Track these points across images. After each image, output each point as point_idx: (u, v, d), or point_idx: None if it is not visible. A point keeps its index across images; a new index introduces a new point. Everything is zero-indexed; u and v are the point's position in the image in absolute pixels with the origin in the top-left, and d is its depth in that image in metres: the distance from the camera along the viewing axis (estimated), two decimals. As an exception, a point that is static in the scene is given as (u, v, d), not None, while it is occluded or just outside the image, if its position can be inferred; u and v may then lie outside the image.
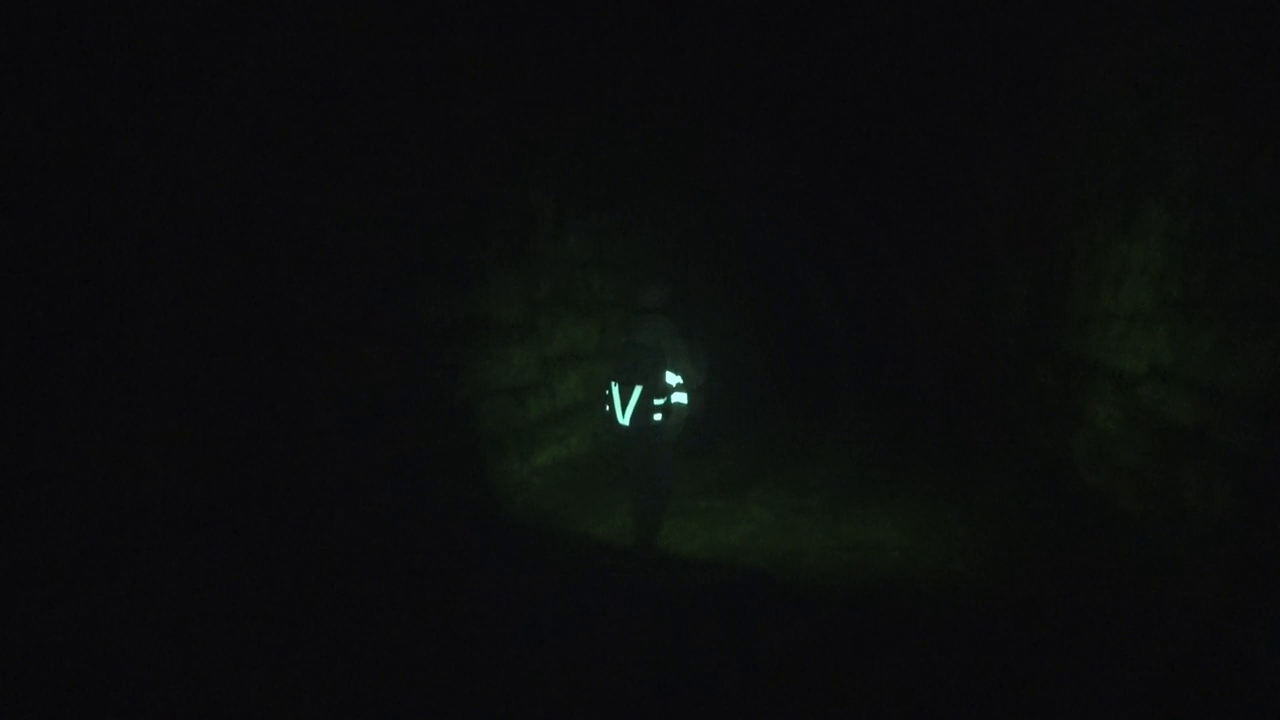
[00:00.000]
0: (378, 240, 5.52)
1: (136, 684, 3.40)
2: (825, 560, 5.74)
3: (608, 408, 5.54)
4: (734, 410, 11.36)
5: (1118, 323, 6.17)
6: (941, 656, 4.06)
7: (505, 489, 6.84)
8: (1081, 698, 3.59)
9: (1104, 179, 6.60)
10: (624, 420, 5.46)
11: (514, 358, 7.38)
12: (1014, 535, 6.04)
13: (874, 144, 11.98)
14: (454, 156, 6.28)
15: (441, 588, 4.94)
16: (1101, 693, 3.61)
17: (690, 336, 5.70)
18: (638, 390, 5.41)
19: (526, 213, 7.65)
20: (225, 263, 4.25)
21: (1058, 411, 7.40)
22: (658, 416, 5.44)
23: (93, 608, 3.46)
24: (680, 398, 5.46)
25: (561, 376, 8.41)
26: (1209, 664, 3.71)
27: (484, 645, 4.23)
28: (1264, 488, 3.91)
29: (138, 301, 3.78)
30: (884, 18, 7.93)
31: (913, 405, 12.47)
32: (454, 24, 5.78)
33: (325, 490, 4.87)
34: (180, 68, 3.93)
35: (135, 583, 3.66)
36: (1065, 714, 3.51)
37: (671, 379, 5.43)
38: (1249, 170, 4.29)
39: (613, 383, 5.51)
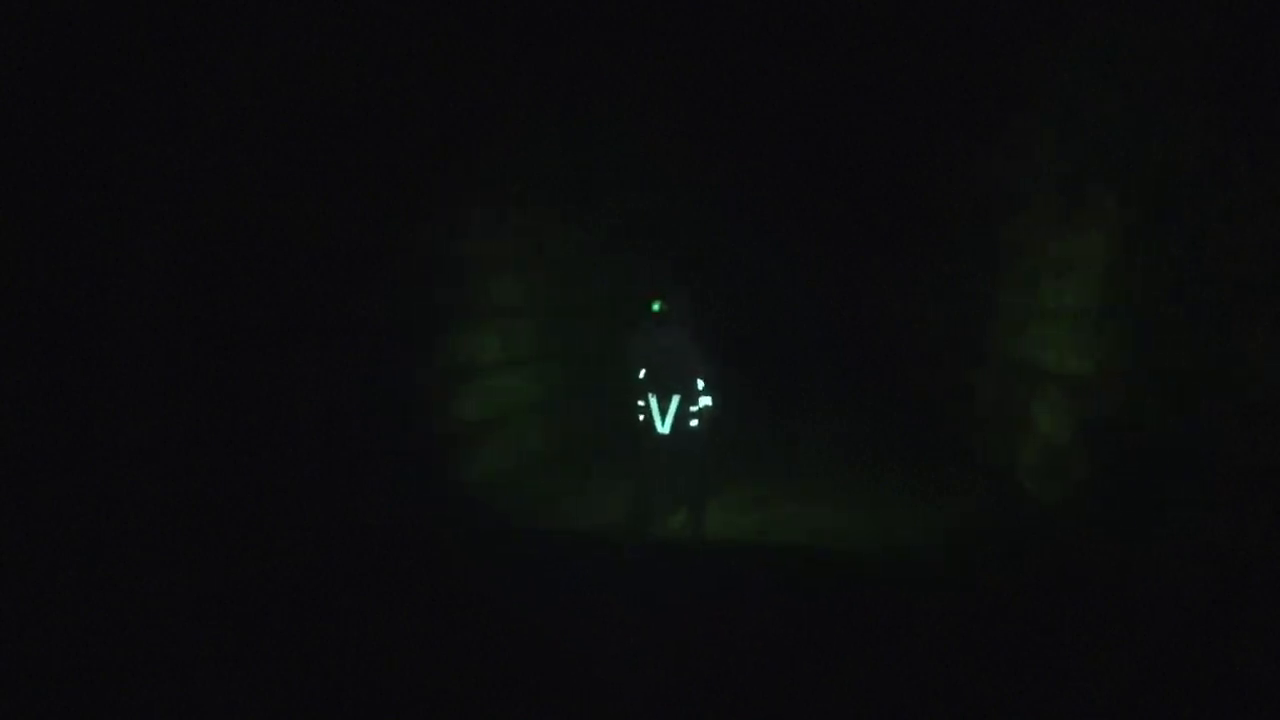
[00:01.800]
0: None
1: (116, 683, 3.40)
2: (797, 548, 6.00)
3: (642, 418, 6.05)
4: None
5: (1063, 321, 6.08)
6: (921, 649, 4.11)
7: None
8: (1060, 698, 3.64)
9: (1048, 174, 6.58)
10: (664, 429, 5.98)
11: (398, 373, 6.20)
12: (967, 537, 6.17)
13: (836, 139, 11.97)
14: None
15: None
16: (1081, 693, 3.66)
17: (706, 343, 6.23)
18: (675, 399, 5.93)
19: (419, 209, 6.49)
20: (185, 261, 4.20)
21: (999, 418, 7.33)
22: (694, 422, 5.99)
23: (71, 607, 3.46)
24: (707, 401, 6.02)
25: (459, 393, 7.17)
26: (1189, 668, 3.76)
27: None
28: (1254, 495, 3.94)
29: (109, 300, 3.75)
30: (843, 18, 7.91)
31: (855, 408, 12.37)
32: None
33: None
34: (145, 71, 3.90)
35: (113, 581, 3.66)
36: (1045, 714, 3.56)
37: (700, 384, 5.98)
38: (1229, 167, 4.32)
39: (649, 394, 6.01)
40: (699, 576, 5.31)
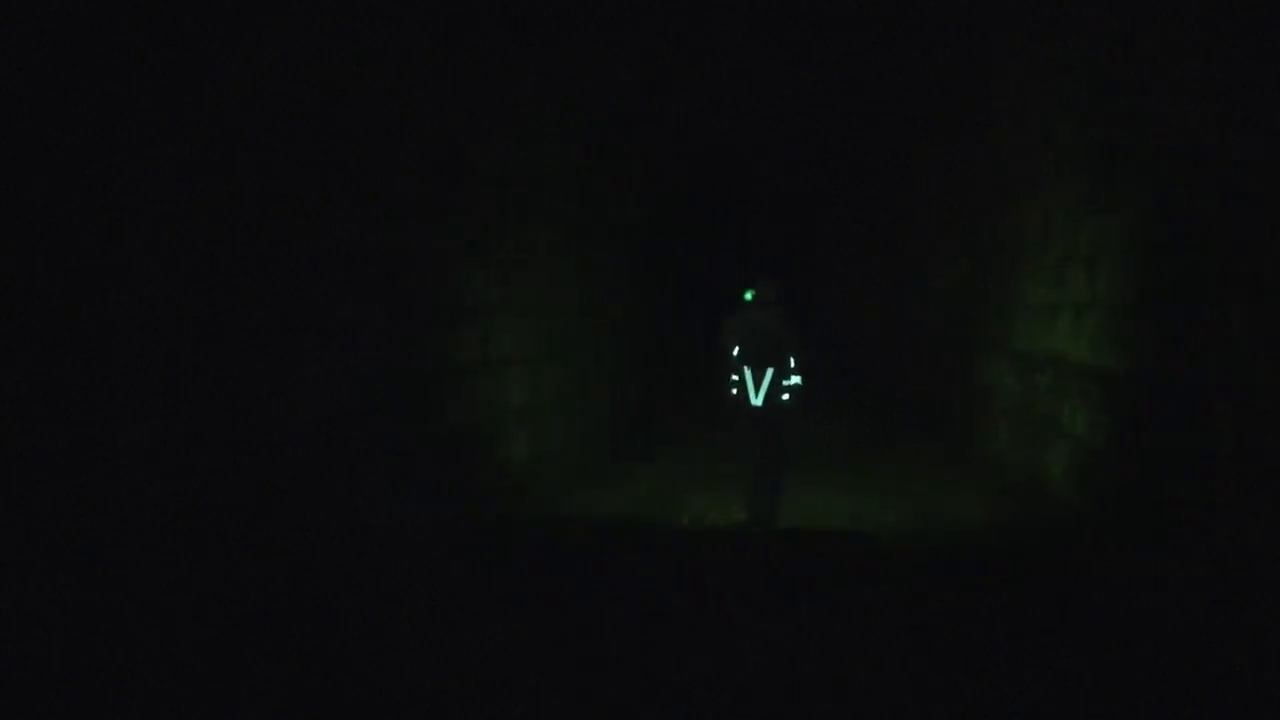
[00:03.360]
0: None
1: (116, 683, 3.40)
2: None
3: (735, 391, 6.41)
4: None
5: (1095, 312, 6.00)
6: (923, 648, 4.11)
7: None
8: (1059, 698, 3.63)
9: (1047, 170, 6.55)
10: (757, 401, 6.38)
11: (403, 369, 5.75)
12: (967, 538, 6.16)
13: (837, 136, 11.96)
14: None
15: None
16: (1080, 693, 3.66)
17: (803, 326, 6.69)
18: (769, 373, 6.32)
19: (388, 198, 5.95)
20: (193, 258, 4.19)
21: (1021, 417, 7.27)
22: (785, 396, 6.38)
23: (71, 607, 3.45)
24: (797, 379, 6.42)
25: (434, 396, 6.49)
26: (1187, 670, 3.75)
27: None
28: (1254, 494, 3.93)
29: (109, 300, 3.75)
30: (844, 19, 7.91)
31: (856, 408, 12.32)
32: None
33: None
34: (145, 71, 3.90)
35: (113, 581, 3.66)
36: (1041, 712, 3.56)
37: (792, 363, 6.40)
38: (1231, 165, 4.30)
39: (745, 367, 6.36)
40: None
